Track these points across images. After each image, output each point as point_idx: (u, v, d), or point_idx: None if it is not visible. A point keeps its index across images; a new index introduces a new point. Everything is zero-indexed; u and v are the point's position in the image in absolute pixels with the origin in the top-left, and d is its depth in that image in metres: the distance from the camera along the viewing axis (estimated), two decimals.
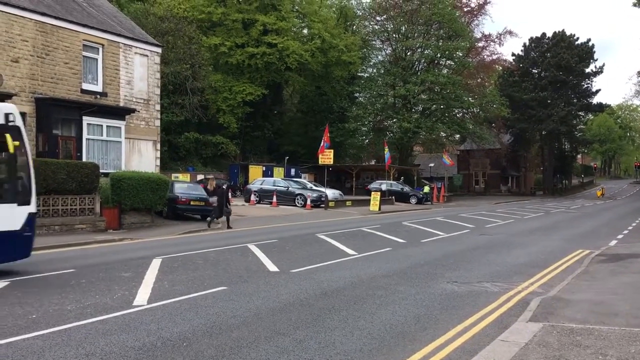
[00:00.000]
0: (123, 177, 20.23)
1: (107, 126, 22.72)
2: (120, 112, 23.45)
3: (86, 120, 21.94)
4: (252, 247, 14.74)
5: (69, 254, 14.27)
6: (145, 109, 25.19)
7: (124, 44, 24.30)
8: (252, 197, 34.10)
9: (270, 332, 6.76)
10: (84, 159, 21.27)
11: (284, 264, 11.90)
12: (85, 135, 21.98)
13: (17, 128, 11.06)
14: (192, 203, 23.64)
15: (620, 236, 19.00)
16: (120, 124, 23.26)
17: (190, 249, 14.63)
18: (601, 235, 19.35)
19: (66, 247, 15.50)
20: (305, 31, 50.52)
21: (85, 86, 22.82)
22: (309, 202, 31.90)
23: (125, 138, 23.49)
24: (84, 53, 22.80)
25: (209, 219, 21.32)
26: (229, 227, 20.70)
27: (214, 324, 7.07)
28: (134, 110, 24.02)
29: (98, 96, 23.04)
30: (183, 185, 25.49)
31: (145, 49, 25.42)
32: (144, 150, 25.02)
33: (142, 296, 8.68)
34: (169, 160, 40.20)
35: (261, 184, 35.51)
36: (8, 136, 10.74)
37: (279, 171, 43.69)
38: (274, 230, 19.94)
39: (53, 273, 10.83)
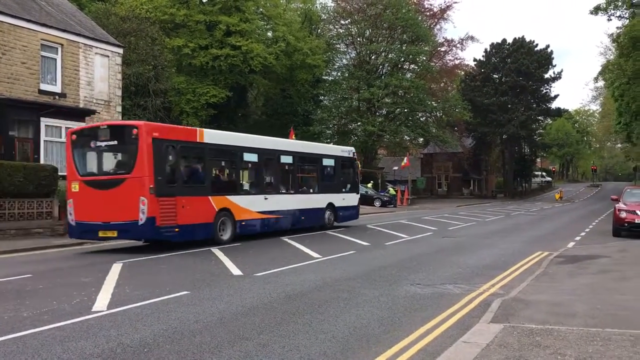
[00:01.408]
0: None
1: (66, 128, 22.12)
2: (79, 114, 22.96)
3: (44, 121, 21.41)
4: (216, 251, 14.60)
5: (25, 259, 13.91)
6: (106, 110, 24.75)
7: (84, 44, 23.84)
8: None
9: (234, 336, 6.69)
10: (42, 162, 20.75)
11: (247, 268, 11.81)
12: (43, 137, 21.44)
13: (356, 158, 24.33)
14: None
15: (578, 238, 19.47)
16: (80, 125, 22.78)
17: (152, 253, 14.40)
18: (560, 237, 19.79)
19: (22, 252, 15.10)
20: (269, 34, 50.40)
21: (44, 87, 22.29)
22: None
23: None
24: (43, 53, 22.27)
25: None
26: None
27: (175, 330, 6.96)
28: (94, 112, 23.56)
29: (57, 97, 22.53)
30: None
31: (106, 50, 24.99)
32: None
33: (102, 302, 8.49)
34: None
35: None
36: (358, 162, 24.45)
37: None
38: (238, 234, 19.77)
39: (8, 279, 10.52)
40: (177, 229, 14.78)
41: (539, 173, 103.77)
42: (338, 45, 55.72)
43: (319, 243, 16.85)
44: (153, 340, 6.50)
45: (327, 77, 55.96)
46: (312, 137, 51.28)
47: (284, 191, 19.59)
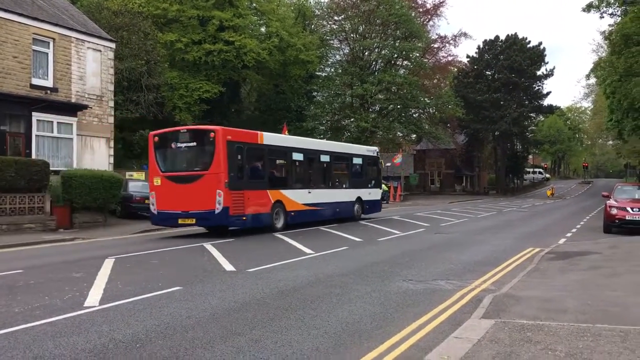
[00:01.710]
0: (74, 175, 19.76)
1: (57, 123, 22.11)
2: (71, 108, 22.85)
3: (36, 116, 21.30)
4: (208, 247, 14.59)
5: (17, 255, 13.86)
6: (98, 105, 24.63)
7: (76, 38, 23.70)
8: None
9: (226, 332, 6.69)
10: (33, 156, 20.66)
11: (240, 263, 11.81)
12: (34, 132, 21.34)
13: (379, 156, 27.43)
14: (147, 202, 23.23)
15: (569, 234, 19.56)
16: (72, 120, 22.67)
17: (144, 248, 14.39)
18: (551, 233, 19.87)
19: (14, 247, 15.04)
20: (263, 29, 50.28)
21: (35, 81, 22.16)
22: None
23: (77, 135, 22.93)
24: (34, 47, 22.14)
25: None
26: None
27: (168, 325, 6.96)
28: (86, 107, 23.45)
29: (48, 91, 22.40)
30: (138, 183, 25.08)
31: (98, 44, 24.85)
32: (96, 147, 24.46)
33: (94, 297, 8.47)
34: (124, 158, 39.36)
35: None
36: (382, 161, 28.02)
37: None
38: (230, 230, 19.80)
39: (0, 274, 10.47)
40: (244, 218, 17.54)
41: (537, 170, 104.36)
42: (331, 41, 55.67)
43: (312, 239, 16.87)
44: (145, 336, 6.49)
45: (320, 73, 55.91)
46: (306, 133, 51.25)
47: (322, 186, 22.19)
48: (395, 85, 50.84)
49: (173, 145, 17.73)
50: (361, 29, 53.14)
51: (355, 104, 52.83)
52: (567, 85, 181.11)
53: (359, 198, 24.47)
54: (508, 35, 67.03)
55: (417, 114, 57.80)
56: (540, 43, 67.32)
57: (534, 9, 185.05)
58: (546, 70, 67.63)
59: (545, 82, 68.85)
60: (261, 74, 49.70)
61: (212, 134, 16.94)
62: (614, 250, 14.04)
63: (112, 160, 25.15)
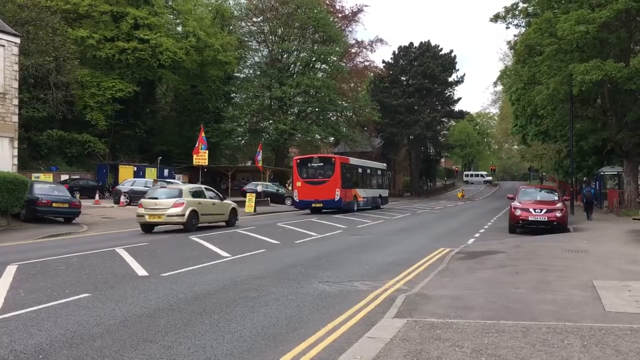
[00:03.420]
0: None
1: None
2: None
3: None
4: (120, 251, 14.11)
5: None
6: (0, 103, 23.24)
7: None
8: (122, 199, 32.72)
9: (137, 339, 6.50)
10: None
11: (154, 268, 11.51)
12: None
13: (387, 169, 48.12)
14: (54, 205, 22.19)
15: (477, 235, 20.41)
16: None
17: (51, 254, 13.71)
18: (461, 234, 20.66)
19: None
20: (179, 28, 49.30)
21: None
22: None
23: None
24: None
25: None
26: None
27: (74, 334, 6.67)
28: None
29: None
30: (44, 185, 23.91)
31: (1, 39, 23.47)
32: None
33: None
34: (29, 159, 37.45)
35: (132, 185, 34.14)
36: (389, 172, 51.77)
37: (151, 172, 42.26)
38: (144, 233, 19.22)
39: None
40: (346, 203, 31.26)
41: (479, 173, 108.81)
42: (250, 43, 55.44)
43: (229, 242, 16.69)
44: (49, 346, 6.20)
45: (238, 75, 55.52)
46: (224, 134, 50.70)
47: (368, 187, 36.32)
48: (314, 89, 51.29)
49: (309, 165, 32.01)
50: (280, 31, 53.23)
51: (274, 106, 52.83)
52: (477, 91, 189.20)
53: (380, 195, 38.28)
54: (422, 42, 69.26)
55: (334, 117, 58.58)
56: (452, 51, 70.10)
57: (446, 18, 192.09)
58: (457, 77, 70.49)
59: (456, 88, 71.73)
60: (178, 74, 48.73)
61: (333, 159, 31.97)
62: (518, 249, 14.79)
63: (16, 161, 23.77)
